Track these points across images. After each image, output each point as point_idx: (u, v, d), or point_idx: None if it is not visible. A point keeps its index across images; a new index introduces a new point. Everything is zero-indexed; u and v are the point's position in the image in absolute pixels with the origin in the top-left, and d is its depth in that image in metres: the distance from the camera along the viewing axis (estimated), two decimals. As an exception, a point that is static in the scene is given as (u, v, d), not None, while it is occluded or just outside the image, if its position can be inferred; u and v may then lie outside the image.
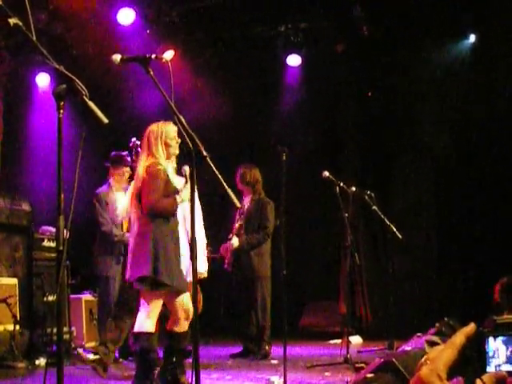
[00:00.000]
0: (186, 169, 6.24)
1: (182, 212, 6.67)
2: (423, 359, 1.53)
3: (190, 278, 6.57)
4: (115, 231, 8.98)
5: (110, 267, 8.96)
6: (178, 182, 6.36)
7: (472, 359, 1.58)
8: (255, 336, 9.46)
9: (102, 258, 9.04)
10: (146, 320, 6.04)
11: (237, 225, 9.48)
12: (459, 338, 1.53)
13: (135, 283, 6.09)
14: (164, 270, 5.95)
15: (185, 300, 6.21)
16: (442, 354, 1.50)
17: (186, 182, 6.33)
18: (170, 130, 6.19)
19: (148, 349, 6.02)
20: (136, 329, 6.11)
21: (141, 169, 6.14)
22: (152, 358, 6.08)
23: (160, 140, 6.15)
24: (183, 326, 6.28)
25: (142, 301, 6.13)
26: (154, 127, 6.23)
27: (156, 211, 6.01)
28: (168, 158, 6.23)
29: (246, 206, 9.51)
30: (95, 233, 9.15)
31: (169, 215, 6.12)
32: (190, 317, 6.18)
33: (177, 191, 6.15)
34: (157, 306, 6.12)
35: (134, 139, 8.83)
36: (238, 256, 9.41)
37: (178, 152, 6.27)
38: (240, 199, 9.15)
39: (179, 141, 6.06)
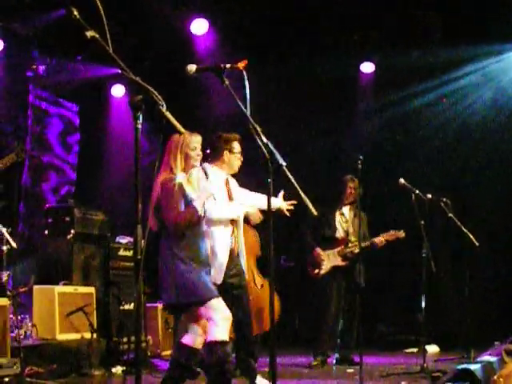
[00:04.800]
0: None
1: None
2: (496, 376, 1.49)
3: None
4: None
5: None
6: (191, 190, 5.77)
7: None
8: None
9: None
10: (216, 329, 5.62)
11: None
12: None
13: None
14: (182, 291, 5.57)
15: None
16: None
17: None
18: (193, 140, 5.79)
19: (224, 359, 5.60)
20: (209, 339, 5.64)
21: (157, 182, 5.69)
22: (229, 368, 5.67)
23: (180, 149, 5.76)
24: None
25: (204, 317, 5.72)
26: (176, 136, 5.78)
27: (180, 226, 5.58)
28: (186, 169, 5.79)
29: None
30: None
31: (195, 225, 5.68)
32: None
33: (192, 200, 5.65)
34: (221, 312, 5.67)
35: None
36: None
37: (197, 164, 5.85)
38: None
39: (200, 154, 5.80)
